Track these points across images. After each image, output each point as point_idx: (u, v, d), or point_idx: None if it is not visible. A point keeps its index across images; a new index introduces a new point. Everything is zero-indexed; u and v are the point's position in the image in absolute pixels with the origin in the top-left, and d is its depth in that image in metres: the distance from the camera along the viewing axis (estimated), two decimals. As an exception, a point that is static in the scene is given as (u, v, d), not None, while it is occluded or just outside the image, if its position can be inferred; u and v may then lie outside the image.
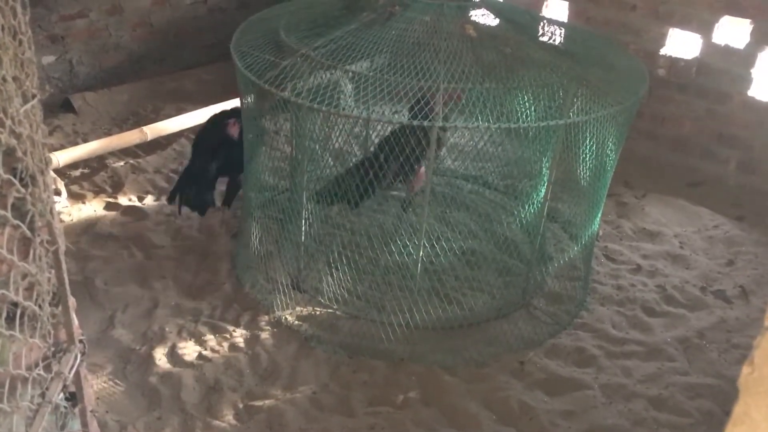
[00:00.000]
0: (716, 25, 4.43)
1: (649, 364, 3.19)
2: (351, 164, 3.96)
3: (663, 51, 4.70)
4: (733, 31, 4.43)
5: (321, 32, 3.19)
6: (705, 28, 4.48)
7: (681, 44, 4.65)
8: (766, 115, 4.42)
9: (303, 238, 3.41)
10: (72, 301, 1.56)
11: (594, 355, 3.20)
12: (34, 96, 1.33)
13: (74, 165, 4.34)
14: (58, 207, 3.49)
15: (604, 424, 2.87)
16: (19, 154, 1.23)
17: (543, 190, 3.37)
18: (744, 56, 4.38)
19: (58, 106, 5.10)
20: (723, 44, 4.44)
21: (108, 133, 4.80)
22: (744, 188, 4.55)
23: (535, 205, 3.64)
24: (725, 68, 4.47)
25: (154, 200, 4.20)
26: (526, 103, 3.28)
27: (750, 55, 4.36)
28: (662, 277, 3.78)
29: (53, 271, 1.48)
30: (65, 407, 1.60)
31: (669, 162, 4.82)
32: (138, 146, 4.58)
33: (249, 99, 3.39)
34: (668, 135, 4.84)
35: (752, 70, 4.38)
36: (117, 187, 4.29)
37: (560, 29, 3.53)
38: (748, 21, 4.31)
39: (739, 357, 3.27)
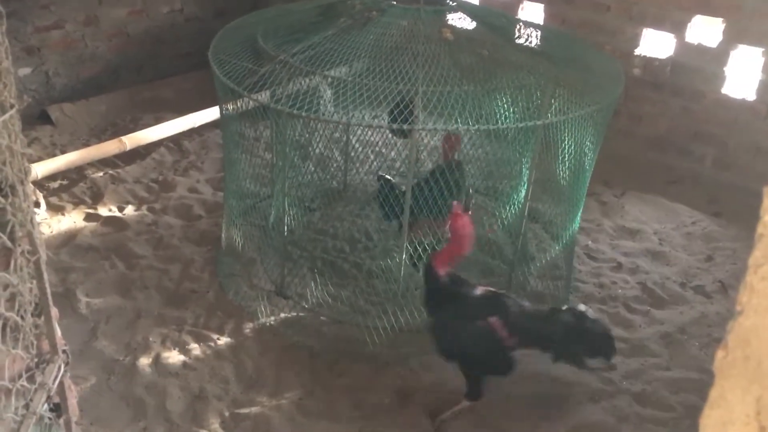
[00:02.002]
0: (689, 24, 4.49)
1: (632, 360, 3.22)
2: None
3: (638, 51, 4.76)
4: (705, 30, 4.50)
5: (299, 38, 3.19)
6: (678, 27, 4.54)
7: (655, 44, 4.71)
8: (740, 112, 4.49)
9: (285, 244, 3.41)
10: (54, 312, 1.56)
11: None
12: (12, 106, 1.33)
13: (53, 176, 4.30)
14: (37, 219, 3.47)
15: (588, 421, 2.89)
16: (-2, 164, 1.22)
17: (523, 191, 3.40)
18: (716, 54, 4.44)
19: (35, 118, 5.06)
20: (696, 43, 4.51)
21: (86, 144, 4.77)
22: (720, 185, 4.61)
23: (515, 206, 3.67)
24: (699, 67, 4.53)
25: (134, 210, 4.18)
26: (505, 105, 3.31)
27: (722, 53, 4.42)
28: (643, 274, 3.82)
29: (35, 282, 1.47)
30: (50, 418, 1.59)
31: (647, 160, 4.88)
32: (117, 156, 4.55)
33: (228, 106, 3.38)
34: (645, 134, 4.90)
35: (725, 68, 4.45)
36: (97, 198, 4.27)
37: (536, 31, 3.57)
38: (720, 20, 4.38)
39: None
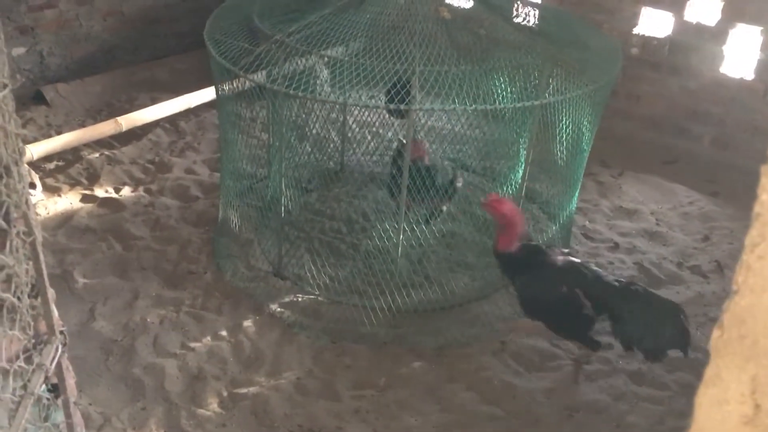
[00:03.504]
0: (688, 2, 4.46)
1: (628, 339, 3.24)
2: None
3: (636, 30, 4.73)
4: (704, 9, 4.47)
5: (295, 18, 3.17)
6: (677, 6, 4.51)
7: (653, 23, 4.69)
8: (738, 91, 4.48)
9: (282, 225, 3.41)
10: (51, 293, 1.55)
11: (574, 333, 3.24)
12: (5, 85, 1.32)
13: (49, 158, 4.29)
14: (33, 200, 3.46)
15: (585, 399, 2.91)
16: (-8, 144, 1.21)
17: (521, 171, 3.40)
18: (715, 33, 4.42)
19: (30, 99, 5.03)
20: (695, 22, 4.48)
21: (82, 125, 4.74)
22: (718, 164, 4.61)
23: (513, 186, 3.66)
24: (697, 46, 4.51)
25: (131, 191, 4.17)
26: (502, 85, 3.29)
27: (721, 32, 4.40)
28: (640, 254, 3.83)
29: (31, 263, 1.47)
30: (48, 399, 1.59)
31: (644, 140, 4.87)
32: (113, 137, 4.53)
33: (224, 87, 3.36)
34: (643, 113, 4.89)
35: (723, 47, 4.43)
36: (93, 179, 4.25)
37: (534, 10, 3.54)
38: (718, -2, 4.36)
39: (715, 330, 3.33)
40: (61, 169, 4.32)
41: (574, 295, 2.80)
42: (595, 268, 2.97)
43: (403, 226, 3.18)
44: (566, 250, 3.11)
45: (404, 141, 3.39)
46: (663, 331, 2.77)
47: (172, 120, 4.86)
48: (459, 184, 3.63)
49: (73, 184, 4.21)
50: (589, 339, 2.90)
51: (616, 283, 2.87)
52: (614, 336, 2.84)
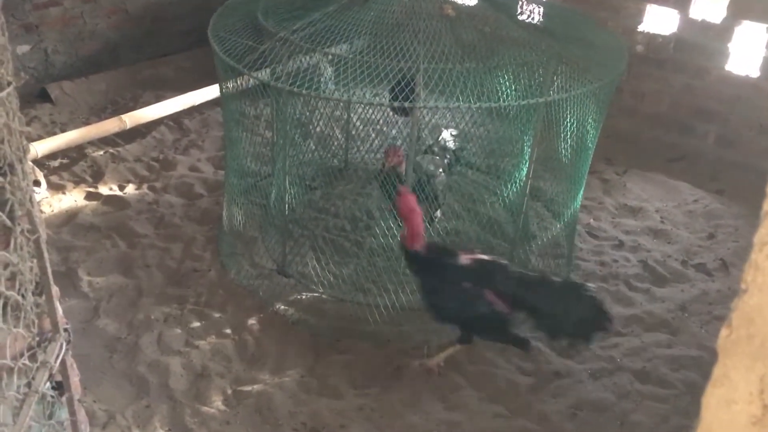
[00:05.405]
0: (693, 0, 4.45)
1: (632, 337, 3.23)
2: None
3: (641, 27, 4.71)
4: (709, 6, 4.45)
5: (299, 15, 3.16)
6: (682, 3, 4.50)
7: (658, 20, 4.67)
8: (743, 89, 4.46)
9: (287, 223, 3.41)
10: (55, 290, 1.55)
11: (579, 331, 3.23)
12: (9, 83, 1.31)
13: (53, 155, 4.29)
14: (37, 198, 3.46)
15: (589, 398, 2.91)
16: (-4, 142, 1.21)
17: (525, 169, 3.39)
18: (720, 30, 4.40)
19: (34, 96, 5.03)
20: (700, 19, 4.47)
21: (86, 123, 4.75)
22: (722, 162, 4.60)
23: (517, 184, 3.66)
24: (702, 43, 4.49)
25: (135, 189, 4.17)
26: (507, 82, 3.28)
27: (726, 29, 4.38)
28: (644, 252, 3.82)
29: (35, 261, 1.47)
30: (52, 396, 1.59)
31: (649, 138, 4.86)
32: (117, 135, 4.54)
33: (228, 84, 3.36)
34: (648, 111, 4.87)
35: (729, 45, 4.41)
36: (97, 177, 4.26)
37: (539, 7, 3.53)
38: (724, -5, 4.34)
39: (721, 328, 3.31)
40: (65, 167, 4.33)
41: (480, 293, 2.76)
42: (507, 264, 2.92)
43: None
44: (478, 249, 3.04)
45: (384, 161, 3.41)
46: (582, 316, 2.78)
47: (177, 118, 4.86)
48: (438, 180, 3.60)
49: (78, 181, 4.21)
50: (513, 338, 2.87)
51: (529, 278, 2.86)
52: (537, 329, 2.84)
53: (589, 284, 2.93)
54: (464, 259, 2.85)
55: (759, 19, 4.26)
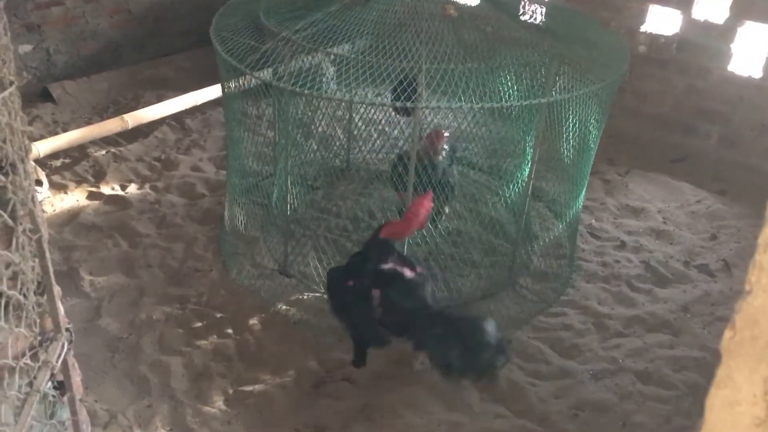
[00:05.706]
0: (695, 0, 4.44)
1: (634, 338, 3.22)
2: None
3: (643, 27, 4.71)
4: (712, 6, 4.44)
5: (301, 15, 3.16)
6: (684, 3, 4.49)
7: (661, 20, 4.66)
8: (746, 89, 4.46)
9: (288, 223, 3.41)
10: (57, 290, 1.55)
11: (581, 332, 3.23)
12: (11, 83, 1.31)
13: (55, 155, 4.29)
14: (39, 197, 3.46)
15: (591, 398, 2.90)
16: (-2, 142, 1.21)
17: (527, 170, 3.38)
18: (723, 31, 4.40)
19: (36, 96, 5.04)
20: (702, 20, 4.46)
21: (88, 122, 4.75)
22: (725, 162, 4.59)
23: (519, 185, 3.66)
24: (705, 44, 4.49)
25: (137, 189, 4.17)
26: (509, 83, 3.28)
27: (729, 29, 4.38)
28: (646, 253, 3.81)
29: (37, 260, 1.47)
30: (54, 396, 1.59)
31: (651, 138, 4.85)
32: (119, 134, 4.54)
33: (230, 84, 3.36)
34: (650, 111, 4.87)
35: (731, 45, 4.41)
36: (99, 177, 4.26)
37: (541, 7, 3.53)
38: (727, -4, 4.34)
39: (723, 329, 3.29)
40: (67, 167, 4.33)
41: (367, 293, 2.69)
42: (418, 283, 2.75)
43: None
44: (420, 268, 2.84)
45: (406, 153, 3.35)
46: (474, 353, 2.56)
47: (178, 117, 4.86)
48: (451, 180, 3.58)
49: (80, 181, 4.22)
50: (373, 330, 2.77)
51: (428, 309, 2.70)
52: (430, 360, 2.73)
53: (490, 323, 2.62)
54: (389, 265, 2.77)
55: (762, 19, 4.26)
